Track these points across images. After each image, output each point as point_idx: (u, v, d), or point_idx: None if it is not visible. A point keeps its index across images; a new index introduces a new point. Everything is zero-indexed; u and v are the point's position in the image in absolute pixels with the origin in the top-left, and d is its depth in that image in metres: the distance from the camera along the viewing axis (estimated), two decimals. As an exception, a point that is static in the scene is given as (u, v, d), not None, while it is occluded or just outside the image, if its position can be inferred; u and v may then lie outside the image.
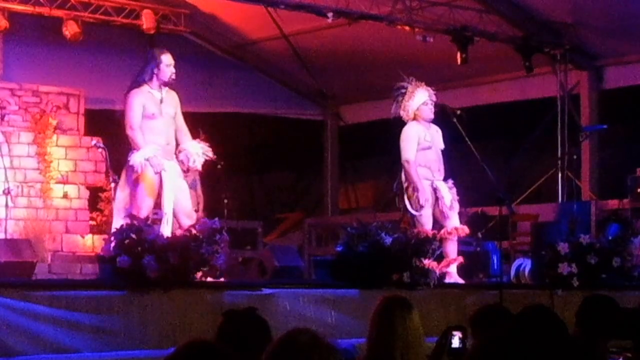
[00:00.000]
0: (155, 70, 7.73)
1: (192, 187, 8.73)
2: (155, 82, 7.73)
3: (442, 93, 12.63)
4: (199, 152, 7.80)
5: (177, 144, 7.82)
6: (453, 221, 8.74)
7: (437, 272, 8.08)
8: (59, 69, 12.12)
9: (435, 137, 8.80)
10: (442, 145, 8.85)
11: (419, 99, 8.82)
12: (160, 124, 7.64)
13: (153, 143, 7.55)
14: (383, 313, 4.20)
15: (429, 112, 8.81)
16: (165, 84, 7.76)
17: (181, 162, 7.80)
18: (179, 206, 7.52)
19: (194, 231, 7.00)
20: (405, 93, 8.91)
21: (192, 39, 13.31)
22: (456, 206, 8.72)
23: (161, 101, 7.71)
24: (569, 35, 11.89)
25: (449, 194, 8.64)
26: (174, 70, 7.80)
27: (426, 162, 8.68)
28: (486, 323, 4.49)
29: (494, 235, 10.04)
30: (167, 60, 7.79)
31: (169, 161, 7.60)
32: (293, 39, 12.98)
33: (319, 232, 13.67)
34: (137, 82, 7.74)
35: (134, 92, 7.66)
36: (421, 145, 8.70)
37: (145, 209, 7.43)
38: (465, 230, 8.78)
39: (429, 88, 8.95)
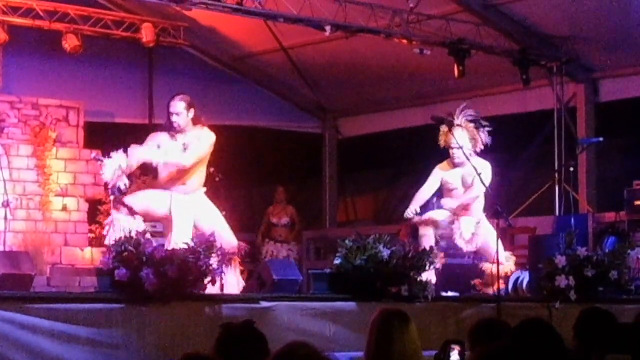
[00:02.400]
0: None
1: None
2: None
3: (439, 106, 12.75)
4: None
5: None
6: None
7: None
8: (59, 81, 12.16)
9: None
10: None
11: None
12: None
13: None
14: (381, 326, 4.21)
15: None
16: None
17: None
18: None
19: (192, 244, 7.02)
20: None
21: (192, 51, 13.37)
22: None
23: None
24: (566, 48, 11.94)
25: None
26: (173, 119, 7.89)
27: None
28: (484, 337, 4.50)
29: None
30: (171, 107, 7.93)
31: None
32: (292, 52, 13.04)
33: (318, 244, 13.68)
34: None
35: None
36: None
37: None
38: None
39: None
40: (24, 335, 6.27)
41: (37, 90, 11.87)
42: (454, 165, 9.13)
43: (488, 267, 8.96)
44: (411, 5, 10.70)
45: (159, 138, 7.97)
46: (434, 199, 9.23)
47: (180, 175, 7.93)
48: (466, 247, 9.11)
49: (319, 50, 12.72)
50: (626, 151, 12.39)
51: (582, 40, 11.80)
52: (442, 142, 9.19)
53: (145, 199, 7.92)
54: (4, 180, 10.29)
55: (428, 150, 10.02)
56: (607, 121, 12.29)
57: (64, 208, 11.36)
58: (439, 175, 9.19)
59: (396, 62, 12.49)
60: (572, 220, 10.64)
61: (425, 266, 7.90)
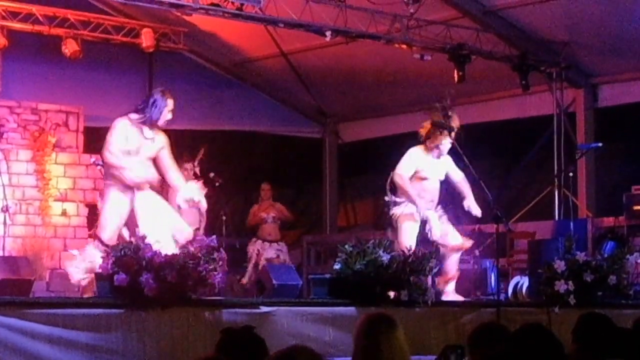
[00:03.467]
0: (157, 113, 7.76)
1: (194, 206, 8.76)
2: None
3: (440, 111, 12.76)
4: (195, 194, 7.87)
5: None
6: (453, 238, 8.86)
7: (435, 288, 8.16)
8: (58, 86, 12.16)
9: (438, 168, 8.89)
10: (441, 177, 8.97)
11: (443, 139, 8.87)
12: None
13: None
14: (368, 332, 4.14)
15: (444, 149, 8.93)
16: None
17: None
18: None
19: (191, 249, 7.03)
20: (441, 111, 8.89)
21: (192, 57, 13.38)
22: (449, 229, 8.84)
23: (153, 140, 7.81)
24: (565, 54, 11.96)
25: (438, 223, 8.76)
26: (169, 118, 7.85)
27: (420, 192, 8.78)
28: (484, 342, 4.49)
29: (491, 253, 10.07)
30: (171, 105, 7.86)
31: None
32: (292, 57, 13.05)
33: (318, 249, 13.68)
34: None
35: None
36: (418, 174, 8.81)
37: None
38: (468, 242, 8.94)
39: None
40: (23, 341, 6.26)
41: (37, 95, 11.88)
42: (434, 157, 9.00)
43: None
44: (411, 10, 10.71)
45: (128, 130, 7.77)
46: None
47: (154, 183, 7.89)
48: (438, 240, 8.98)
49: (319, 56, 12.74)
50: (625, 156, 12.41)
51: (581, 45, 11.83)
52: (423, 132, 9.06)
53: (114, 222, 7.79)
54: (4, 185, 10.29)
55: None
56: (607, 126, 12.31)
57: (64, 213, 11.37)
58: (415, 161, 9.02)
59: (396, 68, 12.50)
60: (572, 225, 10.65)
61: (425, 271, 7.90)
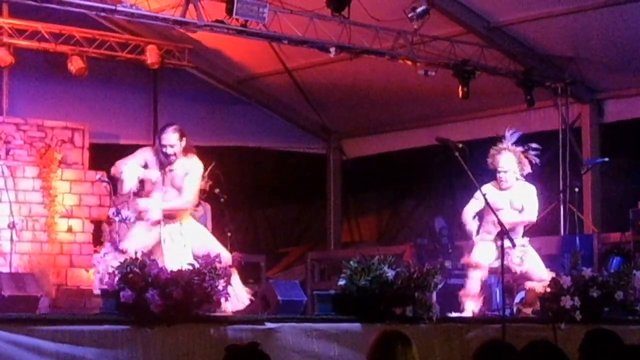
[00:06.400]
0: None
1: (200, 221, 8.80)
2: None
3: (444, 127, 12.79)
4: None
5: None
6: None
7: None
8: (64, 103, 12.21)
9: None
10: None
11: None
12: None
13: None
14: (383, 348, 4.17)
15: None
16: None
17: None
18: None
19: (197, 265, 7.03)
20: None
21: (196, 73, 13.41)
22: None
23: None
24: (570, 69, 11.97)
25: None
26: (168, 152, 7.94)
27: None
28: (489, 359, 4.48)
29: (495, 269, 10.03)
30: (163, 141, 7.97)
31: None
32: (296, 73, 13.08)
33: (322, 266, 13.67)
34: None
35: None
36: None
37: None
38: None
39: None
40: (30, 357, 6.26)
41: (43, 112, 11.92)
42: (501, 189, 9.12)
43: (532, 286, 8.94)
44: (415, 26, 10.73)
45: (147, 155, 7.97)
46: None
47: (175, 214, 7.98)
48: (517, 269, 9.07)
49: (323, 72, 12.76)
50: (631, 172, 12.40)
51: (586, 61, 11.84)
52: (490, 164, 9.20)
53: (137, 237, 7.90)
54: (10, 202, 10.33)
55: (432, 171, 10.06)
56: (612, 142, 12.30)
57: (70, 229, 11.38)
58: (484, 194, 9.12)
59: (400, 84, 12.52)
60: (578, 240, 10.64)
61: (430, 287, 7.89)
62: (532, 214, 9.08)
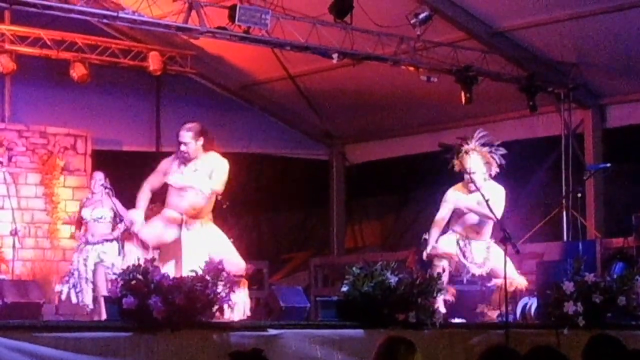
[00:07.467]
0: None
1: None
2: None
3: (447, 132, 12.77)
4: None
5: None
6: None
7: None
8: (67, 110, 12.23)
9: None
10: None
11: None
12: None
13: None
14: (387, 354, 4.18)
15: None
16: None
17: None
18: None
19: (200, 272, 7.03)
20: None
21: (199, 80, 13.43)
22: None
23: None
24: (573, 75, 11.97)
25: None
26: (182, 149, 7.98)
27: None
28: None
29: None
30: (179, 138, 8.02)
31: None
32: (299, 79, 13.10)
33: (325, 272, 13.67)
34: None
35: None
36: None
37: None
38: None
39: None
40: (33, 364, 6.26)
41: (45, 118, 11.95)
42: (469, 191, 9.10)
43: (499, 282, 8.91)
44: (418, 32, 10.75)
45: (165, 165, 8.05)
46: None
47: (198, 210, 7.98)
48: (478, 271, 9.09)
49: (326, 78, 12.77)
50: (634, 177, 12.38)
51: (589, 66, 11.84)
52: (457, 167, 9.17)
53: (157, 231, 7.94)
54: (13, 209, 10.34)
55: (435, 177, 10.02)
56: (615, 147, 12.30)
57: (72, 236, 11.38)
58: (453, 200, 9.15)
59: (403, 89, 12.53)
60: (580, 246, 10.62)
61: (433, 292, 7.88)
62: (496, 212, 8.99)
